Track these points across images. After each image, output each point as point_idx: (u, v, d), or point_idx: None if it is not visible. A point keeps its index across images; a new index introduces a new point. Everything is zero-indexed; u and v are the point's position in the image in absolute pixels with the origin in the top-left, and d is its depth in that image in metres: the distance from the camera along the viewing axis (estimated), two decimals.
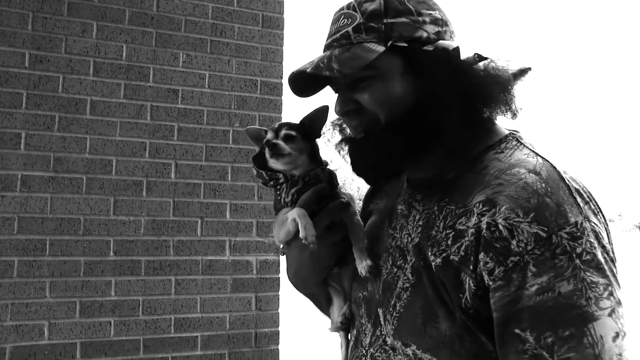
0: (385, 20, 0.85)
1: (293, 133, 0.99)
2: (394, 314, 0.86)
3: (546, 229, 0.72)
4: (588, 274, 0.71)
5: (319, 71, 0.84)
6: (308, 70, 0.85)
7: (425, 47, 0.85)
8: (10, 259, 2.45)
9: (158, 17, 2.79)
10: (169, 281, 2.68)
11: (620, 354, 0.70)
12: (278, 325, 2.87)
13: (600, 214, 0.79)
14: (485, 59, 0.88)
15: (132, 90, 2.72)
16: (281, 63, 3.02)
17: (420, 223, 0.88)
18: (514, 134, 0.90)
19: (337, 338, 1.07)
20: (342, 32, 0.87)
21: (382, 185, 1.09)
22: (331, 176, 1.02)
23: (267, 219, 2.90)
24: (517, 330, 0.72)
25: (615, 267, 0.75)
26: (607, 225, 0.80)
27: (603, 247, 0.74)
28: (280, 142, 0.99)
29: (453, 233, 0.81)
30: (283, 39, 3.04)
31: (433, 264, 0.82)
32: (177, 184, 2.75)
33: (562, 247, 0.72)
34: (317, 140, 1.04)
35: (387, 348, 0.87)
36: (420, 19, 0.86)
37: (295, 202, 0.98)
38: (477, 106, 0.86)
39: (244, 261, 2.82)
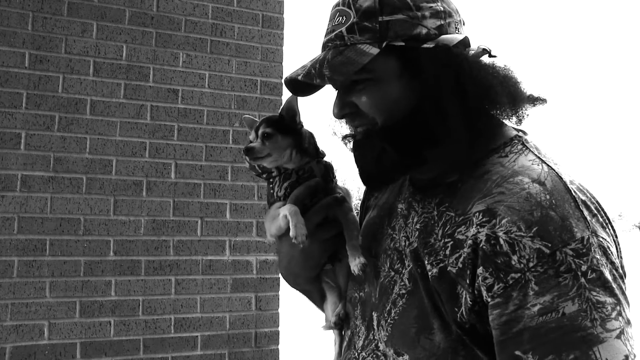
0: (380, 19, 0.79)
1: (269, 130, 0.96)
2: (389, 320, 0.83)
3: (550, 244, 0.68)
4: (594, 293, 0.66)
5: (309, 79, 0.81)
6: (299, 78, 0.82)
7: (424, 45, 0.79)
8: (10, 259, 2.45)
9: (158, 17, 2.79)
10: (169, 281, 2.68)
11: None
12: (278, 325, 2.86)
13: (609, 226, 0.74)
14: (493, 56, 0.83)
15: (132, 90, 2.72)
16: (281, 63, 3.02)
17: (418, 227, 0.84)
18: (520, 136, 0.85)
19: (332, 335, 1.06)
20: (337, 32, 0.82)
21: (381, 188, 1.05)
22: (327, 170, 0.99)
23: None
24: (517, 352, 0.68)
25: (624, 284, 0.71)
26: (617, 238, 0.76)
27: (612, 263, 0.69)
28: (256, 146, 0.95)
29: (452, 242, 0.76)
30: (283, 39, 3.04)
31: (429, 273, 0.78)
32: (177, 184, 2.75)
33: (567, 264, 0.67)
34: (305, 131, 0.99)
35: (379, 354, 0.84)
36: (419, 13, 0.79)
37: (288, 196, 0.95)
38: (481, 107, 0.81)
39: (244, 261, 2.82)
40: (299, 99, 0.96)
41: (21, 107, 2.53)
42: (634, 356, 0.66)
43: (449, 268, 0.76)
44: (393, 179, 0.91)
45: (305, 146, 0.97)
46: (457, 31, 0.83)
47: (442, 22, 0.81)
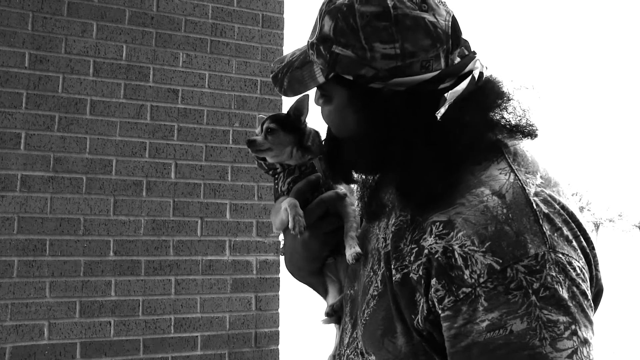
0: (332, 48, 0.79)
1: (273, 126, 1.01)
2: (362, 320, 0.84)
3: (501, 260, 0.67)
4: (545, 312, 0.65)
5: (275, 83, 0.88)
6: (270, 77, 0.90)
7: (371, 85, 0.78)
8: (10, 259, 2.45)
9: (158, 17, 2.79)
10: (169, 281, 2.68)
11: None
12: (278, 325, 2.87)
13: (578, 238, 0.71)
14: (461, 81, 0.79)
15: (132, 90, 2.72)
16: None
17: (393, 229, 0.83)
18: (500, 141, 0.81)
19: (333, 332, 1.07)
20: (309, 39, 0.85)
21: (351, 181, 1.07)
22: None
23: (267, 219, 2.90)
24: None
25: (586, 301, 0.68)
26: (592, 249, 0.73)
27: (571, 279, 0.67)
28: (258, 138, 1.01)
29: (417, 249, 0.76)
30: (283, 39, 3.05)
31: (394, 278, 0.78)
32: (177, 184, 2.75)
33: (517, 281, 0.66)
34: (310, 129, 1.04)
35: (358, 352, 0.86)
36: (368, 54, 0.77)
37: (290, 190, 0.99)
38: (449, 138, 0.78)
39: (244, 261, 2.83)
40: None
41: (21, 107, 2.54)
42: None
43: (410, 275, 0.75)
44: (345, 181, 0.97)
45: (308, 144, 1.01)
46: (425, 70, 0.78)
47: (398, 64, 0.77)
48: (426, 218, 0.76)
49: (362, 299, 0.87)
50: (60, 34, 2.62)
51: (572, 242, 0.70)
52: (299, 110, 1.02)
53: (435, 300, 0.71)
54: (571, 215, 0.73)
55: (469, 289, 0.68)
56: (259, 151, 1.01)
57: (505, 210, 0.70)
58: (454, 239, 0.70)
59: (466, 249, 0.69)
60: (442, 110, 0.75)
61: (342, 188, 1.01)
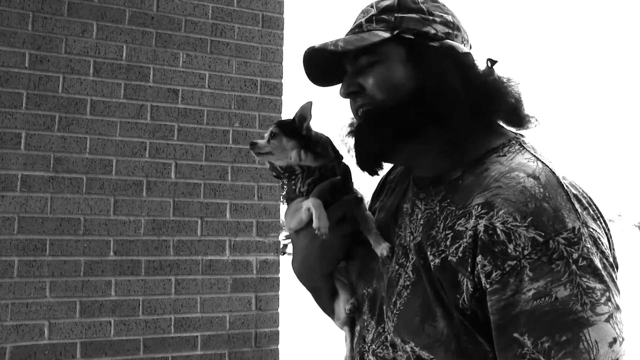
0: (396, 15, 0.89)
1: (276, 130, 1.03)
2: (394, 311, 0.88)
3: (543, 233, 0.73)
4: (584, 279, 0.71)
5: (325, 47, 0.90)
6: (316, 46, 0.91)
7: (431, 43, 0.88)
8: (10, 259, 2.45)
9: (158, 17, 2.79)
10: (169, 281, 2.68)
11: (617, 359, 0.70)
12: (278, 325, 2.87)
13: (600, 219, 0.78)
14: (495, 63, 0.91)
15: (132, 90, 2.72)
16: (281, 63, 3.02)
17: (422, 222, 0.89)
18: (517, 138, 0.91)
19: (336, 334, 1.07)
20: (357, 22, 0.93)
21: (376, 174, 1.10)
22: (346, 171, 1.05)
23: (267, 219, 2.90)
24: (515, 335, 0.72)
25: (615, 272, 0.75)
26: (608, 230, 0.80)
27: (602, 252, 0.74)
28: (260, 141, 1.04)
29: (452, 234, 0.81)
30: (283, 39, 3.05)
31: (432, 264, 0.82)
32: (177, 184, 2.75)
33: (559, 252, 0.72)
34: (319, 135, 1.05)
35: (388, 345, 0.89)
36: (430, 17, 0.89)
37: (310, 192, 1.00)
38: (481, 105, 0.88)
39: (244, 261, 2.83)
40: (313, 105, 1.03)
41: (21, 107, 2.54)
42: (622, 339, 0.71)
43: (450, 258, 0.80)
44: (389, 157, 0.96)
45: (318, 150, 1.03)
46: (462, 45, 0.91)
47: (450, 31, 0.90)
48: (462, 204, 0.82)
49: (388, 292, 0.91)
50: (60, 34, 2.62)
51: (596, 220, 0.77)
52: (303, 116, 1.03)
53: (482, 276, 0.76)
54: (591, 199, 0.81)
55: (514, 262, 0.73)
56: (260, 154, 1.04)
57: (542, 190, 0.77)
58: (495, 217, 0.76)
59: (508, 225, 0.74)
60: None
61: (359, 192, 1.04)
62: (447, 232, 0.82)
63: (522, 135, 0.93)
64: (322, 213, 0.95)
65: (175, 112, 2.78)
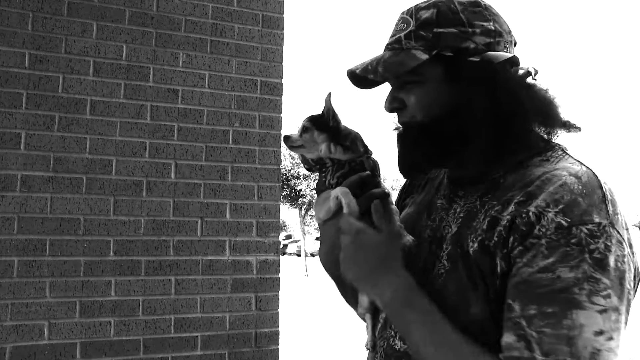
0: (434, 30, 0.89)
1: (308, 124, 1.07)
2: None
3: (569, 220, 0.76)
4: (592, 269, 0.73)
5: (366, 73, 0.93)
6: (357, 71, 0.94)
7: (471, 58, 0.89)
8: (10, 259, 2.45)
9: (158, 17, 2.79)
10: (169, 281, 2.68)
11: (598, 350, 0.70)
12: (278, 325, 2.87)
13: (627, 231, 0.80)
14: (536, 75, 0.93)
15: (132, 90, 2.72)
16: (281, 63, 3.02)
17: (462, 215, 0.92)
18: (560, 145, 0.94)
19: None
20: (397, 36, 0.93)
21: (419, 181, 1.15)
22: (375, 165, 1.08)
23: (267, 219, 2.90)
24: (509, 301, 0.77)
25: (629, 280, 0.75)
26: (632, 243, 0.81)
27: (619, 255, 0.75)
28: (292, 135, 1.09)
29: (489, 220, 0.84)
30: (283, 39, 3.04)
31: (470, 249, 0.85)
32: (177, 184, 2.75)
33: (579, 239, 0.74)
34: (348, 130, 1.08)
35: None
36: (470, 30, 0.89)
37: (339, 184, 1.04)
38: (513, 117, 0.89)
39: (244, 261, 2.83)
40: (332, 99, 1.06)
41: (21, 107, 2.54)
42: (611, 337, 0.71)
43: (486, 242, 0.83)
44: (426, 168, 1.03)
45: (347, 144, 1.06)
46: (505, 50, 0.92)
47: (491, 40, 0.90)
48: (504, 198, 0.85)
49: (421, 280, 0.92)
50: (60, 34, 2.62)
51: (625, 229, 0.79)
52: (328, 108, 1.07)
53: (512, 254, 0.79)
54: (622, 212, 0.83)
55: (535, 240, 0.77)
56: (293, 147, 1.08)
57: (580, 187, 0.80)
58: (531, 205, 0.80)
59: (540, 209, 0.78)
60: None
61: (385, 187, 1.07)
62: (487, 219, 0.85)
63: (563, 145, 0.95)
64: (351, 201, 0.98)
65: (175, 112, 2.78)
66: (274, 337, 2.84)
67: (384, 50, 0.95)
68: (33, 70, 2.56)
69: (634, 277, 0.80)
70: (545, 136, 0.94)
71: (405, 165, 0.98)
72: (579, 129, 0.94)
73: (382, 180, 1.09)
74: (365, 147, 1.08)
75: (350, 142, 1.06)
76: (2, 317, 2.41)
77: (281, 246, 2.99)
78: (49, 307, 2.48)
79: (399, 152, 0.98)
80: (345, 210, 0.97)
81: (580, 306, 0.71)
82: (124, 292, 2.60)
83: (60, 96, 2.60)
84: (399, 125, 1.01)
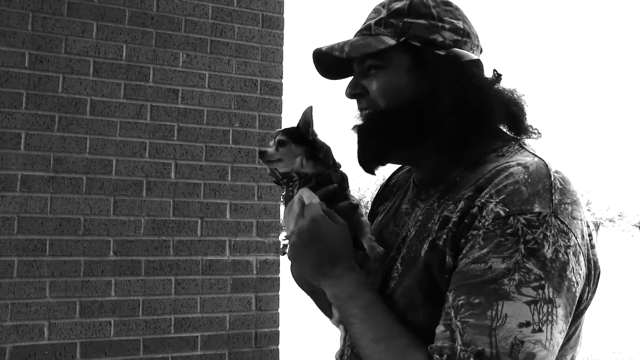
0: (405, 19, 0.90)
1: (284, 138, 1.06)
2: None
3: (507, 210, 0.75)
4: (525, 260, 0.72)
5: (331, 51, 0.92)
6: (323, 49, 0.93)
7: (437, 51, 0.89)
8: (10, 259, 2.45)
9: (158, 17, 2.79)
10: (169, 281, 2.68)
11: (521, 341, 0.69)
12: (278, 325, 2.87)
13: (581, 221, 0.78)
14: (500, 77, 0.94)
15: (132, 90, 2.72)
16: (281, 63, 3.02)
17: (420, 218, 0.92)
18: (518, 140, 0.94)
19: (335, 334, 1.08)
20: (367, 23, 0.94)
21: (374, 171, 1.12)
22: (343, 178, 1.07)
23: (267, 219, 2.90)
24: (447, 291, 0.78)
25: (565, 271, 0.73)
26: (590, 237, 0.80)
27: (561, 246, 0.74)
28: (269, 150, 1.07)
29: (441, 220, 0.85)
30: (283, 39, 3.04)
31: (422, 251, 0.86)
32: (177, 184, 2.75)
33: (514, 229, 0.74)
34: (321, 142, 1.07)
35: None
36: (440, 24, 0.90)
37: None
38: (477, 112, 0.89)
39: (244, 261, 2.83)
40: (314, 110, 1.06)
41: (21, 107, 2.54)
42: (539, 330, 0.70)
43: (436, 242, 0.84)
44: (387, 158, 0.99)
45: (320, 156, 1.06)
46: (472, 52, 0.93)
47: (459, 39, 0.91)
48: (457, 196, 0.85)
49: (381, 287, 0.94)
50: (60, 34, 2.62)
51: (575, 219, 0.77)
52: (307, 122, 1.06)
53: (459, 248, 0.79)
54: (580, 200, 0.81)
55: (475, 232, 0.77)
56: (270, 162, 1.06)
57: (526, 176, 0.79)
58: (478, 199, 0.80)
59: (483, 200, 0.79)
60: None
61: (355, 199, 1.06)
62: (440, 220, 0.86)
63: (521, 139, 0.94)
64: (312, 195, 0.98)
65: (175, 112, 2.78)
66: (274, 337, 2.84)
67: (354, 36, 0.95)
68: (33, 70, 2.56)
69: (591, 270, 0.79)
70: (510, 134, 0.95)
71: (364, 156, 0.97)
72: (540, 135, 0.94)
73: (350, 192, 1.08)
74: (334, 160, 1.08)
75: (324, 154, 1.06)
76: (2, 317, 2.41)
77: (281, 246, 2.98)
78: (49, 307, 2.48)
79: (358, 144, 0.97)
80: (306, 202, 0.97)
81: (508, 297, 0.71)
82: (124, 292, 2.60)
83: (60, 96, 2.60)
84: (358, 119, 1.00)
